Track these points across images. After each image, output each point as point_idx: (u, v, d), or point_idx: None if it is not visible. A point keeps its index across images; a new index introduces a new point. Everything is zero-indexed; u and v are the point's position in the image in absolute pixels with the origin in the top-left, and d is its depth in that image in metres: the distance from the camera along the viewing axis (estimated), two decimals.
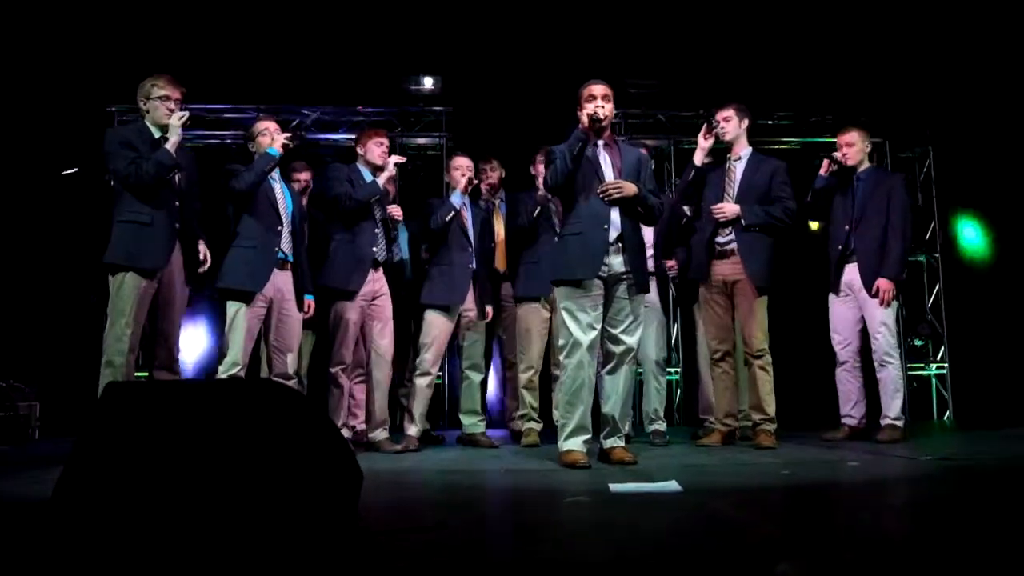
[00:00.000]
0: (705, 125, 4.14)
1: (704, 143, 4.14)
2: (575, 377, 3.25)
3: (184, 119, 3.48)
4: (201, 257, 3.72)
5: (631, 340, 3.35)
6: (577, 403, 3.26)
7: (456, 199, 4.29)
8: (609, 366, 3.38)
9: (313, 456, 1.67)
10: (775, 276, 4.06)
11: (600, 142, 3.42)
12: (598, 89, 3.38)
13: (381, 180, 4.05)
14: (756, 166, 4.14)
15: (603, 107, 3.32)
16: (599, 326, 3.30)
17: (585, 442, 3.27)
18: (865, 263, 4.21)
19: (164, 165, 3.45)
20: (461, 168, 4.38)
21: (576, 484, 2.68)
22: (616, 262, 3.31)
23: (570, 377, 3.26)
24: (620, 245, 3.31)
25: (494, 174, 4.75)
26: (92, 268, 5.64)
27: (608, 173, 3.37)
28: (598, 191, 3.30)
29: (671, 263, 4.58)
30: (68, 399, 5.30)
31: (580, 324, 3.25)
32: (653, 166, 4.25)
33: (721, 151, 4.30)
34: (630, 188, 3.31)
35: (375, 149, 4.14)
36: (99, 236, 3.57)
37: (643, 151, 3.60)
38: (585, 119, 3.27)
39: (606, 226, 3.29)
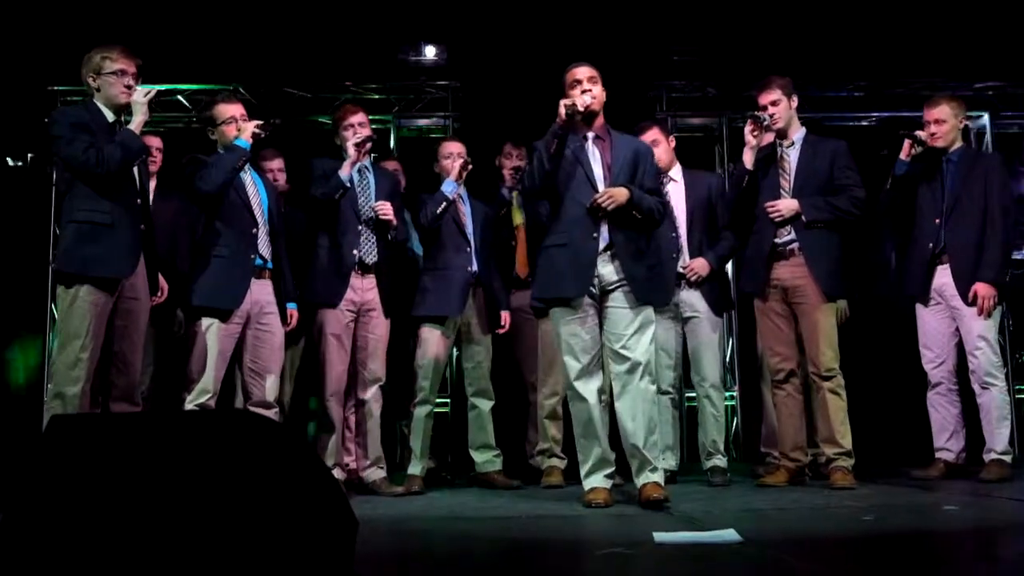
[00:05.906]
0: (751, 121, 4.09)
1: (753, 141, 4.08)
2: (580, 409, 3.44)
3: (151, 95, 3.48)
4: (160, 294, 3.75)
5: (636, 353, 3.36)
6: (591, 435, 3.42)
7: (448, 188, 4.28)
8: (616, 390, 3.42)
9: (299, 501, 1.68)
10: (845, 279, 4.02)
11: (590, 134, 3.49)
12: (582, 72, 3.47)
13: (345, 171, 3.99)
14: (813, 150, 4.11)
15: (590, 90, 3.40)
16: (598, 347, 3.44)
17: (608, 476, 3.43)
18: (958, 264, 4.15)
19: (131, 149, 3.43)
20: (452, 154, 4.39)
21: (612, 532, 2.68)
22: (607, 271, 3.40)
23: (576, 410, 3.46)
24: (610, 253, 3.40)
25: (522, 161, 4.65)
26: (30, 276, 5.73)
27: (597, 171, 3.45)
28: (588, 206, 3.35)
29: (691, 267, 4.29)
30: (4, 435, 5.34)
31: (574, 351, 3.40)
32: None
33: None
34: (621, 195, 3.35)
35: (343, 133, 4.11)
36: (37, 238, 3.57)
37: (644, 142, 3.67)
38: (561, 110, 3.34)
39: (595, 234, 3.38)
